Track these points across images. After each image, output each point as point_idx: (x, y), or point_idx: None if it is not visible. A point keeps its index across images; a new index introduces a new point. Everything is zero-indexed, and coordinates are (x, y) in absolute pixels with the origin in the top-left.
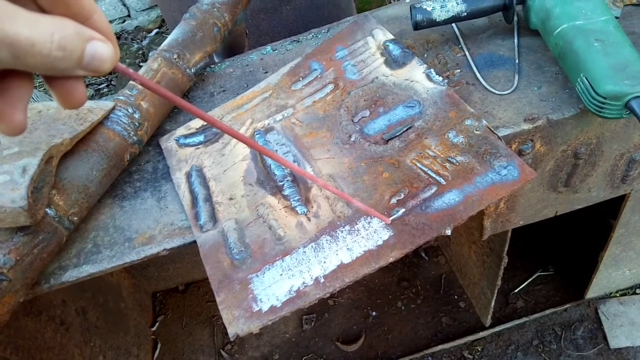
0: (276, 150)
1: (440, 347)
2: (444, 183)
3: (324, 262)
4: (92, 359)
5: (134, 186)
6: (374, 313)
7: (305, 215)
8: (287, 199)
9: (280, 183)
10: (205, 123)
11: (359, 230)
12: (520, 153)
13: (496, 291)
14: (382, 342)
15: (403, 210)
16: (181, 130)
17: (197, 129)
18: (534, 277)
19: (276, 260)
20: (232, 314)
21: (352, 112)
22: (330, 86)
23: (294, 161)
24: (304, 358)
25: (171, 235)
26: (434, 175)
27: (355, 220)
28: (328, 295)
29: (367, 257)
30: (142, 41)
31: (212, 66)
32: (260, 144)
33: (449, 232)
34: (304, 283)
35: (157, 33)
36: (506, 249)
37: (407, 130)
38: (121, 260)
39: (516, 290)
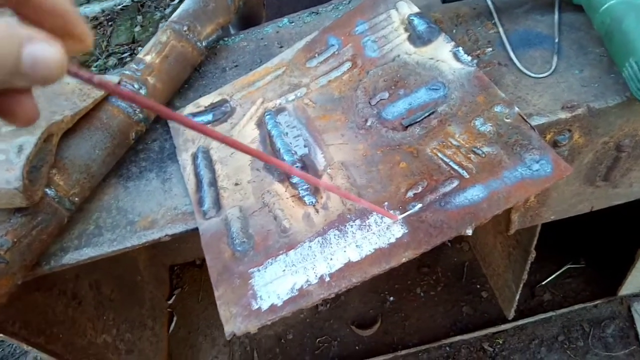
0: (286, 133)
1: (459, 337)
2: (468, 177)
3: (331, 259)
4: (105, 332)
5: (140, 166)
6: (391, 298)
7: (314, 206)
8: (295, 187)
9: None
10: (215, 101)
11: (370, 225)
12: (555, 144)
13: (521, 285)
14: (398, 329)
15: (420, 205)
16: (189, 108)
17: (205, 107)
18: (563, 269)
19: (280, 254)
20: (230, 310)
21: (369, 93)
22: (348, 64)
23: (305, 146)
24: (317, 340)
25: (174, 220)
26: (456, 167)
27: (366, 215)
28: (333, 295)
29: (378, 255)
30: (165, 9)
31: (225, 39)
32: (271, 124)
33: (470, 232)
34: (307, 281)
35: (180, 1)
36: (534, 243)
37: (429, 115)
38: (122, 245)
39: (544, 283)
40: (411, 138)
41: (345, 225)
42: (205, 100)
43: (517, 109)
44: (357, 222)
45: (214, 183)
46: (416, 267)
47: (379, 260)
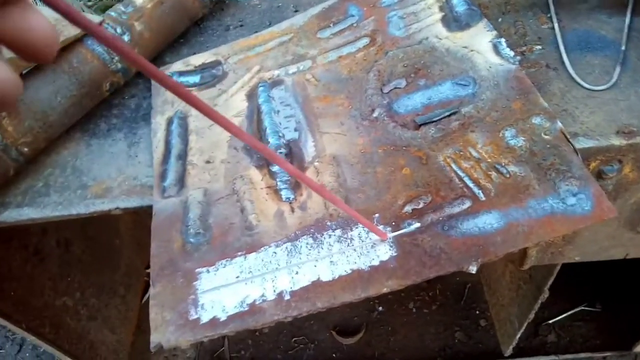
0: (278, 111)
1: None
2: (483, 199)
3: (297, 272)
4: (67, 294)
5: (110, 123)
6: (380, 308)
7: (290, 203)
8: (273, 176)
9: None
10: (207, 61)
11: (353, 239)
12: (599, 175)
13: (526, 323)
14: (382, 342)
15: (417, 224)
16: (178, 66)
17: (195, 66)
18: (575, 310)
19: (237, 255)
20: (163, 316)
21: (383, 78)
22: (365, 40)
23: (296, 129)
24: (294, 339)
25: (130, 192)
26: (471, 185)
27: (350, 225)
28: (289, 319)
29: (354, 279)
30: None
31: None
32: (262, 98)
33: (473, 269)
34: (263, 296)
35: None
36: (550, 283)
37: (449, 115)
38: (66, 211)
39: (550, 321)
40: (423, 140)
41: (323, 234)
42: (197, 60)
43: (560, 124)
44: (338, 232)
45: (183, 156)
46: None
47: (354, 285)
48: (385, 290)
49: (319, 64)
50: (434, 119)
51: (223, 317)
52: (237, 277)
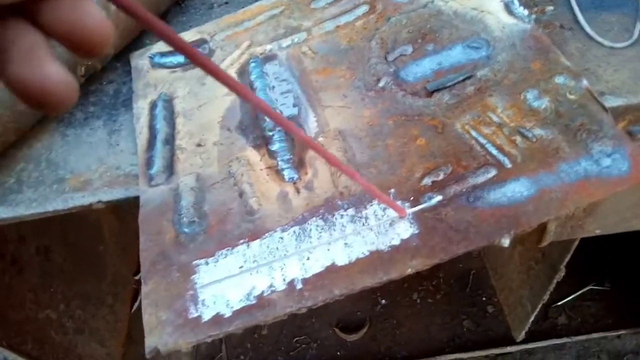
0: (273, 87)
1: (456, 355)
2: (510, 166)
3: (308, 258)
4: (50, 307)
5: (87, 111)
6: (383, 301)
7: (294, 183)
8: (273, 156)
9: (270, 133)
10: (190, 40)
11: (368, 218)
12: (628, 135)
13: (540, 306)
14: (387, 337)
15: (439, 197)
16: (158, 46)
17: None
18: (584, 290)
19: (239, 243)
20: (158, 316)
21: (387, 46)
22: (364, 7)
23: (294, 105)
24: (295, 339)
25: (113, 183)
26: (495, 152)
27: (364, 203)
28: (305, 310)
29: (373, 261)
30: None
31: None
32: (255, 74)
33: (507, 242)
34: (271, 286)
35: None
36: (566, 260)
37: (463, 80)
38: (42, 208)
39: (560, 303)
40: (436, 107)
41: (334, 215)
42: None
43: (585, 82)
44: (350, 211)
45: (170, 140)
46: None
47: (374, 268)
48: (409, 271)
49: (314, 35)
50: (447, 85)
51: (228, 313)
52: (241, 267)
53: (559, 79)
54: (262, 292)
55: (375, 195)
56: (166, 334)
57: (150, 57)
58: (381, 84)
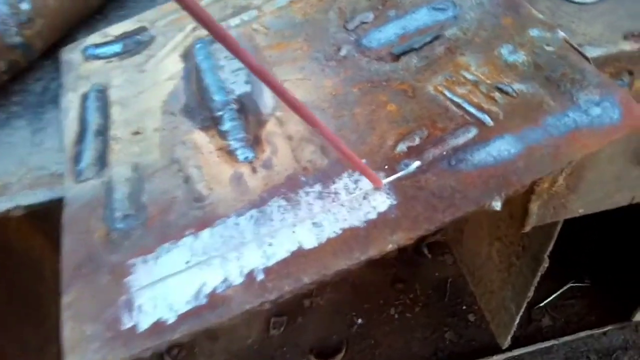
0: (222, 67)
1: None
2: (491, 124)
3: (270, 244)
4: None
5: (8, 111)
6: (359, 320)
7: (250, 163)
8: (224, 136)
9: (219, 113)
10: (129, 29)
11: (337, 192)
12: None
13: (524, 305)
14: (366, 358)
15: (418, 163)
16: (94, 38)
17: (115, 36)
18: (564, 288)
19: (185, 234)
20: (82, 330)
21: (346, 15)
22: None
23: (247, 82)
24: None
25: (35, 184)
26: (473, 111)
27: (332, 177)
28: (268, 305)
29: (347, 239)
30: None
31: None
32: (201, 56)
33: (498, 205)
34: (225, 281)
35: None
36: (550, 248)
37: (431, 41)
38: None
39: (542, 304)
40: (405, 71)
41: (298, 192)
42: (116, 30)
43: (562, 33)
44: (317, 187)
45: (103, 132)
46: (390, 282)
47: (348, 247)
48: (390, 247)
49: (266, 12)
50: (415, 47)
51: (171, 318)
52: (187, 262)
53: (534, 32)
54: (215, 289)
55: (352, 163)
56: (91, 351)
57: (83, 50)
58: (342, 53)
